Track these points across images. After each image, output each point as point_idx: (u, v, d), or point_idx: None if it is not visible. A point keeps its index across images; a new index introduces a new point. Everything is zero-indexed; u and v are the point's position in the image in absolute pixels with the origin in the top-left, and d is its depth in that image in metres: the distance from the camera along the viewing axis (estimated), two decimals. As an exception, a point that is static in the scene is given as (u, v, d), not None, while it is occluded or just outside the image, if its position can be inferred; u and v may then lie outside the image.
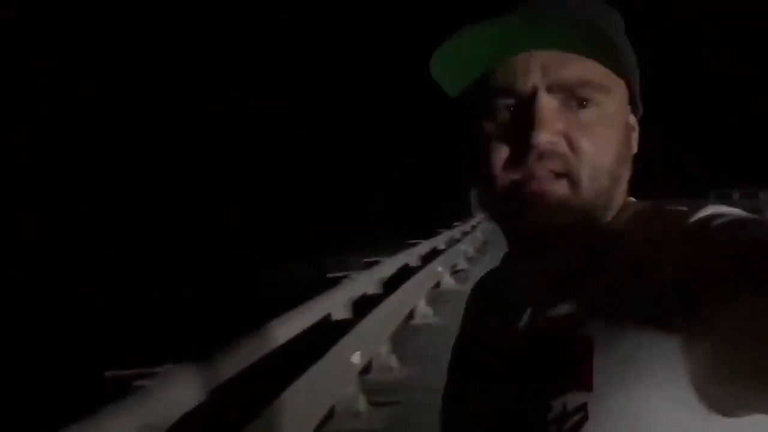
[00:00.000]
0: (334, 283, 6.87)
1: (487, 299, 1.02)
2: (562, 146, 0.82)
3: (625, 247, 0.85)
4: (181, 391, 2.37)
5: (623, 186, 0.89)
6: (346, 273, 7.76)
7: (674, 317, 0.76)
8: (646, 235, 0.84)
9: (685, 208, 0.85)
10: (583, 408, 0.78)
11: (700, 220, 0.81)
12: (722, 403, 0.75)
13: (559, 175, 0.83)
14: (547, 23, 0.81)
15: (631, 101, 0.90)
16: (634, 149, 0.90)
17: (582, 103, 0.83)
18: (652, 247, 0.82)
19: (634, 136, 0.90)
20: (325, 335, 4.94)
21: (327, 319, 5.95)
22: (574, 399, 0.79)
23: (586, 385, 0.79)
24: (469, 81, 0.87)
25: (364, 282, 8.07)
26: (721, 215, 0.80)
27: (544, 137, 0.80)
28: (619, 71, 0.85)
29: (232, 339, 3.21)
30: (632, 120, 0.91)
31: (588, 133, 0.83)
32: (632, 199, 0.92)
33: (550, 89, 0.82)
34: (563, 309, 0.86)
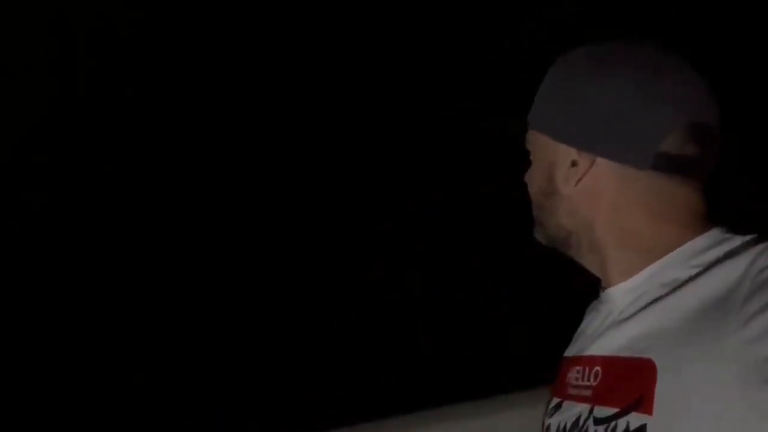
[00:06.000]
0: None
1: (588, 319, 1.10)
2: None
3: (697, 276, 0.89)
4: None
5: (564, 214, 1.01)
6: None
7: (735, 341, 0.79)
8: (722, 267, 0.87)
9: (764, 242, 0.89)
10: (643, 429, 0.84)
11: None
12: None
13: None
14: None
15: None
16: (562, 182, 1.00)
17: None
18: (724, 278, 0.86)
19: (561, 172, 1.00)
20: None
21: None
22: (636, 420, 0.85)
23: (647, 408, 0.85)
24: None
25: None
26: None
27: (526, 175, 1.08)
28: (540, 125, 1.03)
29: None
30: (563, 158, 0.99)
31: (529, 170, 1.07)
32: (717, 229, 0.95)
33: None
34: (634, 333, 0.92)
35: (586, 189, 0.98)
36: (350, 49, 2.98)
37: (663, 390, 0.84)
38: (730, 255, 0.89)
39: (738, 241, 0.91)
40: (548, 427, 1.05)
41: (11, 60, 2.78)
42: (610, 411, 0.90)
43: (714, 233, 0.95)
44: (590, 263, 1.02)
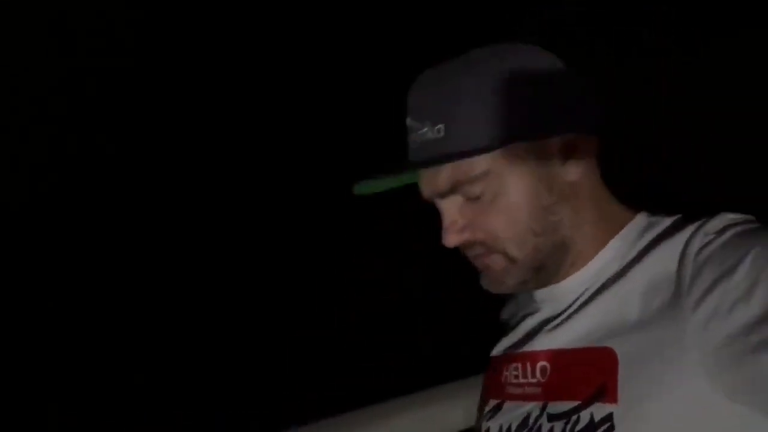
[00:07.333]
0: None
1: (519, 316, 1.06)
2: (475, 234, 0.90)
3: (639, 261, 0.89)
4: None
5: (567, 222, 0.92)
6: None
7: (690, 327, 0.80)
8: (660, 250, 0.87)
9: (698, 220, 0.88)
10: (609, 418, 0.82)
11: (715, 230, 0.84)
12: (742, 412, 0.78)
13: (491, 252, 0.91)
14: (415, 157, 0.91)
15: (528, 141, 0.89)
16: (563, 179, 0.91)
17: (470, 198, 0.90)
18: (665, 260, 0.86)
19: (558, 170, 0.90)
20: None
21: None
22: (600, 410, 0.84)
23: (612, 397, 0.83)
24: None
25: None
26: (735, 224, 0.84)
27: (450, 240, 0.91)
28: (475, 152, 0.87)
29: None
30: (551, 155, 0.90)
31: (492, 213, 0.89)
32: (644, 213, 0.95)
33: (444, 195, 0.91)
34: (588, 324, 0.90)
35: (583, 172, 0.92)
36: (350, 49, 2.98)
37: (626, 378, 0.83)
38: (664, 237, 0.89)
39: (667, 221, 0.92)
40: (487, 430, 1.00)
41: (10, 59, 2.78)
42: (568, 405, 0.88)
43: (642, 215, 0.95)
44: (551, 269, 0.95)
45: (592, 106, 0.93)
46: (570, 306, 0.94)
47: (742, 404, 0.78)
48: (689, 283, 0.82)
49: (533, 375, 0.95)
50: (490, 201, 0.89)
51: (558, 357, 0.93)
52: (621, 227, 0.94)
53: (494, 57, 0.90)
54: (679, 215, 0.92)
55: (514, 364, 0.98)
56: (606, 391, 0.84)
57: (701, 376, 0.79)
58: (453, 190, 0.90)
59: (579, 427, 0.85)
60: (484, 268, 0.94)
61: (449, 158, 0.87)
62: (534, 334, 0.97)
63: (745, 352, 0.76)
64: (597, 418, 0.84)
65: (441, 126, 0.88)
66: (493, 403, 1.01)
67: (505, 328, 1.08)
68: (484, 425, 1.01)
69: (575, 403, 0.87)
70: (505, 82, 0.87)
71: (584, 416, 0.85)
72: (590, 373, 0.87)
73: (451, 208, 0.92)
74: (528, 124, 0.87)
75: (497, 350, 1.07)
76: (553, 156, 0.90)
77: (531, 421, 0.92)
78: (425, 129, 0.90)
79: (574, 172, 0.91)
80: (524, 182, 0.89)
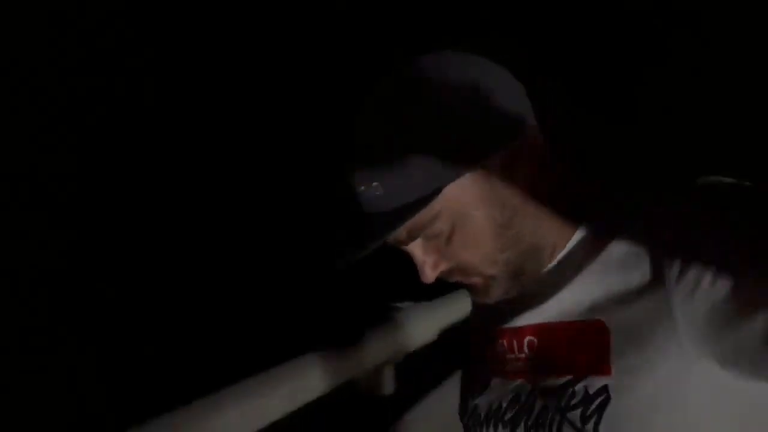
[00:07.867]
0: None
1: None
2: (448, 264, 0.91)
3: (612, 238, 0.88)
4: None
5: (529, 228, 0.90)
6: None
7: (676, 298, 0.80)
8: (631, 223, 0.87)
9: (663, 191, 0.87)
10: (604, 390, 0.83)
11: (686, 198, 0.84)
12: (734, 378, 0.79)
13: (469, 275, 0.92)
14: (366, 209, 0.89)
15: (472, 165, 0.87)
16: (514, 186, 0.89)
17: (430, 237, 0.90)
18: (638, 232, 0.85)
19: (505, 181, 0.88)
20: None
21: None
22: (594, 382, 0.84)
23: (605, 370, 0.83)
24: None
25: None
26: (705, 188, 0.84)
27: (428, 277, 0.91)
28: (425, 194, 0.85)
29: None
30: (495, 167, 0.87)
31: (454, 245, 0.89)
32: (605, 191, 0.93)
33: (404, 243, 0.90)
34: (572, 299, 0.89)
35: (532, 174, 0.90)
36: (348, 50, 2.98)
37: (619, 350, 0.84)
38: (633, 210, 0.88)
39: (632, 195, 0.91)
40: (474, 408, 0.99)
41: (10, 60, 2.80)
42: (561, 379, 0.88)
43: (604, 193, 0.94)
44: (530, 270, 0.95)
45: (525, 105, 0.91)
46: (552, 283, 0.93)
47: (732, 370, 0.79)
48: (669, 254, 0.82)
49: (521, 350, 0.94)
50: (449, 235, 0.89)
51: (545, 331, 0.92)
52: (584, 209, 0.93)
53: (413, 87, 0.87)
54: (644, 188, 0.91)
55: (499, 341, 0.97)
56: (599, 363, 0.84)
57: (691, 345, 0.80)
58: (412, 237, 0.90)
59: (574, 400, 0.85)
60: (469, 286, 0.95)
61: (401, 220, 0.86)
62: (516, 310, 0.96)
63: (730, 321, 0.77)
64: (592, 391, 0.84)
65: (377, 184, 0.87)
66: (489, 378, 1.00)
67: (480, 306, 1.06)
68: (471, 402, 1.00)
69: (568, 377, 0.87)
70: (433, 118, 0.85)
71: (579, 389, 0.85)
72: (581, 346, 0.87)
73: (416, 251, 0.92)
74: (467, 153, 0.85)
75: (474, 327, 1.07)
76: (497, 172, 0.88)
77: (523, 397, 0.92)
78: (363, 187, 0.88)
79: (522, 178, 0.89)
80: (476, 208, 0.88)
